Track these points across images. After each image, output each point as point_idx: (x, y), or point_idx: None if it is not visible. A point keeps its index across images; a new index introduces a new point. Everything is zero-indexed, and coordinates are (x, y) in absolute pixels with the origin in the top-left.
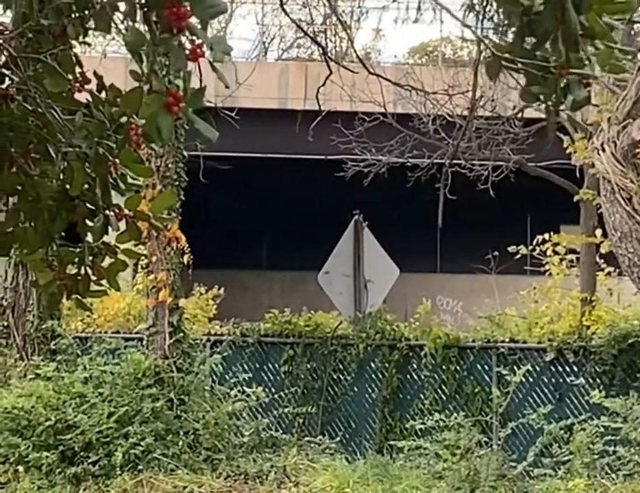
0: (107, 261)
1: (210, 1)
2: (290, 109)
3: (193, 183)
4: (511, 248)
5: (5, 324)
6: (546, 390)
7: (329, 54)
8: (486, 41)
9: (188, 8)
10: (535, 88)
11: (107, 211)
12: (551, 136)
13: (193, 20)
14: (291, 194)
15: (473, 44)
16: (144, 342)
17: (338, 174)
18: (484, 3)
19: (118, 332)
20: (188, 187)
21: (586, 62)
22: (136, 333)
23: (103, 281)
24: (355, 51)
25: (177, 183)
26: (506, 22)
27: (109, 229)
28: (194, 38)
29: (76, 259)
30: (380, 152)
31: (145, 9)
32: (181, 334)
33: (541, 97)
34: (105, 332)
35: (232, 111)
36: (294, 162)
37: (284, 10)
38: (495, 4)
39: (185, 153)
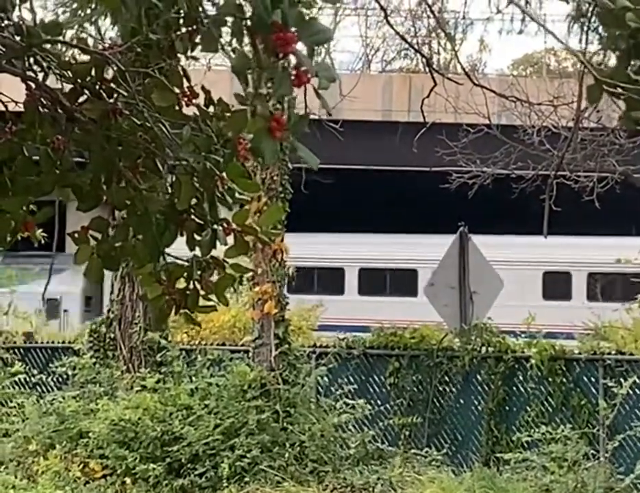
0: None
1: (317, 28)
2: (394, 121)
3: (297, 194)
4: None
5: (112, 336)
6: None
7: (433, 65)
8: (589, 58)
9: (295, 34)
10: (636, 113)
11: (215, 226)
12: None
13: (299, 46)
14: (396, 205)
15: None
16: (250, 354)
17: (443, 185)
18: (589, 15)
19: (223, 344)
20: (292, 198)
21: None
22: (242, 345)
23: (212, 296)
24: (459, 63)
25: (282, 195)
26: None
27: (217, 243)
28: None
29: (185, 274)
30: (485, 163)
31: (252, 32)
32: (287, 346)
33: None
34: (211, 344)
35: (336, 123)
36: (399, 174)
37: (388, 22)
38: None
39: (290, 165)
